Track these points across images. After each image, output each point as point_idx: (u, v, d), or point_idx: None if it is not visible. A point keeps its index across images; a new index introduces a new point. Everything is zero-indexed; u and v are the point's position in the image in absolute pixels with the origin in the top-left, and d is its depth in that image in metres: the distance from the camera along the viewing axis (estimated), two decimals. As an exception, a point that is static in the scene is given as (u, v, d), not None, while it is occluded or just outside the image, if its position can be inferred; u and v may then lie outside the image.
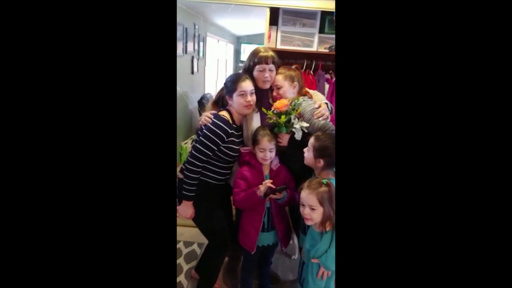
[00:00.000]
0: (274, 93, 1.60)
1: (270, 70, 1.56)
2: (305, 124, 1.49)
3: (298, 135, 1.47)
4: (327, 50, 2.40)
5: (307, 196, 1.24)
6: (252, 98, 1.52)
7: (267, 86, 1.60)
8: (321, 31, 2.39)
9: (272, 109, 1.49)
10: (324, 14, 2.34)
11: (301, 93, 1.65)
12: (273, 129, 1.53)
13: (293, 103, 1.48)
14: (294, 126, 1.48)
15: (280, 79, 1.59)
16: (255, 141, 1.53)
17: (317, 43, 2.39)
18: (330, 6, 2.15)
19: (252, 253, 1.60)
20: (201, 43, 4.04)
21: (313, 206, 1.23)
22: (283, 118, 1.46)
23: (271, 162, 1.57)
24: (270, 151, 1.50)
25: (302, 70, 2.50)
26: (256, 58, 1.56)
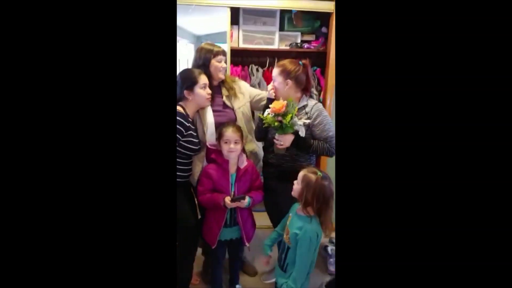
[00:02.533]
0: (273, 85, 1.63)
1: (225, 61, 1.67)
2: (307, 121, 1.52)
3: (303, 132, 1.49)
4: (288, 47, 2.47)
5: (300, 172, 1.36)
6: (208, 91, 1.59)
7: (223, 76, 1.69)
8: (281, 29, 2.46)
9: (268, 112, 1.50)
10: (283, 12, 2.41)
11: (302, 91, 1.63)
12: (275, 132, 1.52)
13: (290, 103, 1.49)
14: (298, 123, 1.48)
15: (275, 72, 1.61)
16: (219, 135, 1.56)
17: (278, 40, 2.45)
18: (288, 5, 2.22)
19: (213, 247, 1.64)
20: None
21: (298, 180, 1.35)
22: (288, 118, 1.44)
23: (238, 160, 1.59)
24: (236, 143, 1.53)
25: (265, 68, 2.57)
26: (213, 52, 1.63)
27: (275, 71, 1.62)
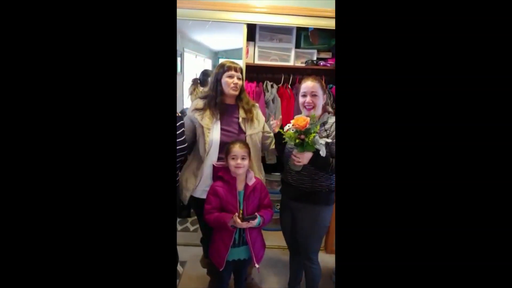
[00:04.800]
0: (309, 100, 1.55)
1: (238, 78, 1.60)
2: (328, 140, 1.46)
3: (323, 152, 1.42)
4: (303, 65, 2.46)
5: None
6: None
7: (236, 93, 1.62)
8: (297, 46, 2.45)
9: (289, 127, 1.44)
10: (300, 30, 2.41)
11: (324, 108, 1.63)
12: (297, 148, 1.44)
13: (311, 120, 1.44)
14: (320, 142, 1.41)
15: (317, 86, 1.56)
16: (226, 151, 1.52)
17: (294, 57, 2.44)
18: (305, 22, 2.22)
19: (220, 269, 1.57)
20: (179, 59, 4.05)
21: None
22: (312, 137, 1.38)
23: (246, 177, 1.55)
24: (243, 159, 1.49)
25: (280, 85, 2.55)
26: (225, 67, 1.59)
27: (315, 86, 1.55)
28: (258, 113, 1.72)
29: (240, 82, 1.62)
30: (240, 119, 1.64)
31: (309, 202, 1.56)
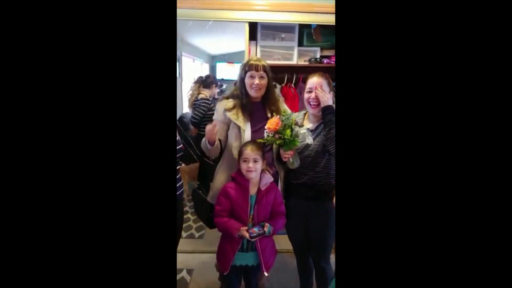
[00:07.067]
0: (314, 96, 1.50)
1: (260, 77, 1.52)
2: (310, 125, 1.45)
3: (310, 139, 1.40)
4: (307, 63, 2.41)
5: None
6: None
7: (259, 94, 1.56)
8: (300, 44, 2.40)
9: (267, 133, 1.43)
10: (302, 27, 2.36)
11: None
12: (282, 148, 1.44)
13: (284, 117, 1.42)
14: (300, 132, 1.39)
15: (323, 83, 1.51)
16: (239, 153, 1.47)
17: (297, 56, 2.39)
18: (308, 19, 2.18)
19: (225, 273, 1.51)
20: (177, 63, 4.00)
21: None
22: (288, 132, 1.37)
23: (260, 180, 1.48)
24: (255, 162, 1.42)
25: (283, 84, 2.50)
26: (247, 66, 1.53)
27: (322, 82, 1.50)
28: (286, 109, 1.66)
29: (262, 82, 1.53)
30: (269, 115, 1.57)
31: (325, 199, 1.50)
